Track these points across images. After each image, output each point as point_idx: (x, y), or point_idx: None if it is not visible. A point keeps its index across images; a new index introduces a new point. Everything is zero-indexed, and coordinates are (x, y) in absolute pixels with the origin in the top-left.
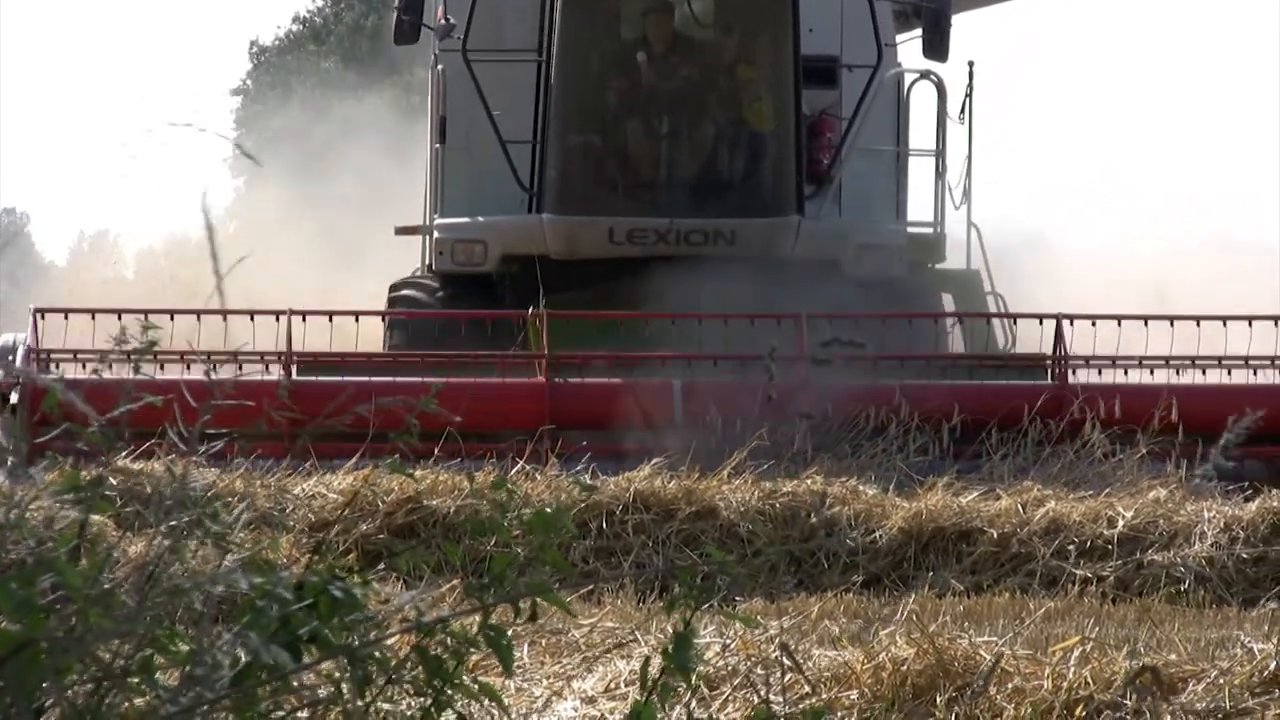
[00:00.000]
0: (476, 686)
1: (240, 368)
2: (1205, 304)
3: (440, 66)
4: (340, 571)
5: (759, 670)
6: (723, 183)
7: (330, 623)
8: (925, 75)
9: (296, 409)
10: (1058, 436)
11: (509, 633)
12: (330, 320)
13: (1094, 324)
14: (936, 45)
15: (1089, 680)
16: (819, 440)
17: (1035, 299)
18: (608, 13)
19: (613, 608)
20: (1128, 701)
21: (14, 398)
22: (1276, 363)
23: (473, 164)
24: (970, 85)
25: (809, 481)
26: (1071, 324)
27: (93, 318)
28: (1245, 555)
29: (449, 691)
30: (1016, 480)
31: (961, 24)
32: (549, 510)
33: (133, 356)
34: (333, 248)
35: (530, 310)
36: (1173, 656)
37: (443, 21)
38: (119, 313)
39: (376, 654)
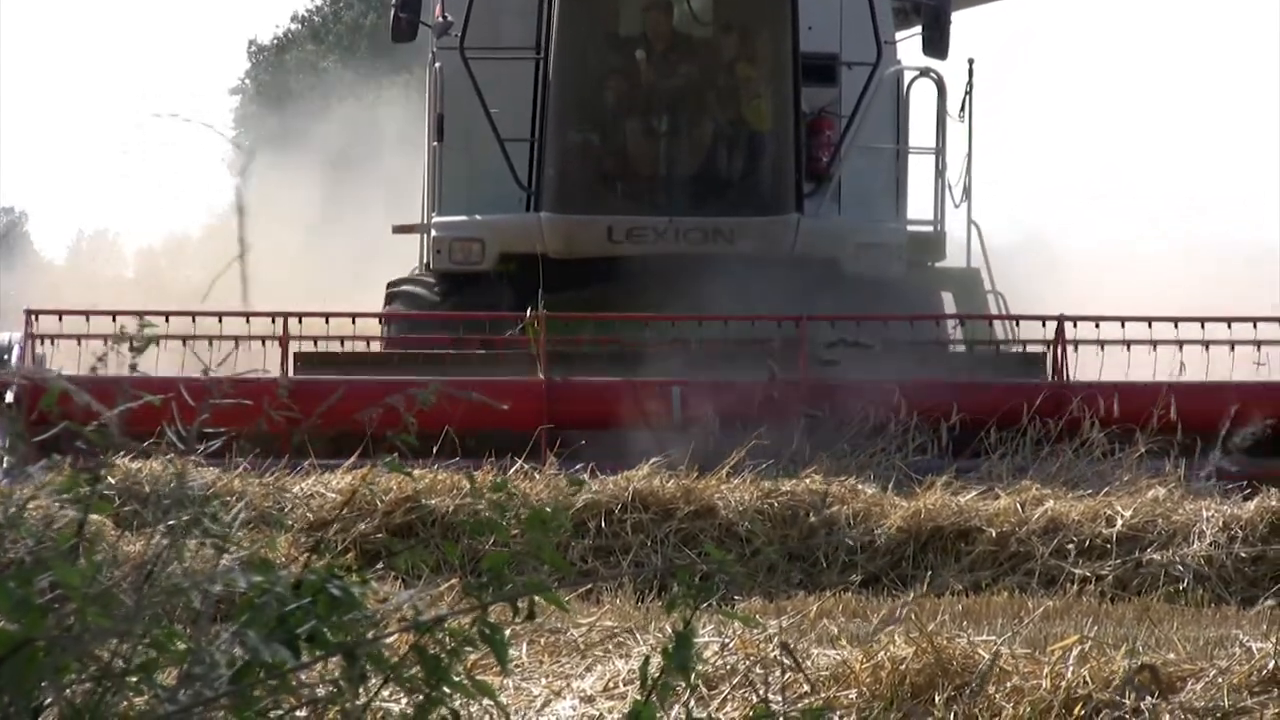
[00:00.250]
0: (471, 684)
1: (236, 345)
2: (1204, 305)
3: (438, 64)
4: (338, 570)
5: (758, 669)
6: (722, 181)
7: (328, 621)
8: (925, 73)
9: (295, 407)
10: (1056, 435)
11: (507, 631)
12: (327, 322)
13: (1097, 325)
14: (936, 42)
15: (1087, 679)
16: (819, 439)
17: (1036, 298)
18: (606, 10)
19: (612, 607)
20: (1126, 700)
21: (9, 396)
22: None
23: (471, 162)
24: (970, 83)
25: (808, 481)
26: (1075, 326)
27: (87, 319)
28: (1244, 554)
29: (444, 689)
30: (1015, 479)
31: (961, 21)
32: (546, 509)
33: (133, 344)
34: (334, 247)
35: (529, 311)
36: (1171, 655)
37: (440, 19)
38: (113, 314)
39: (374, 653)
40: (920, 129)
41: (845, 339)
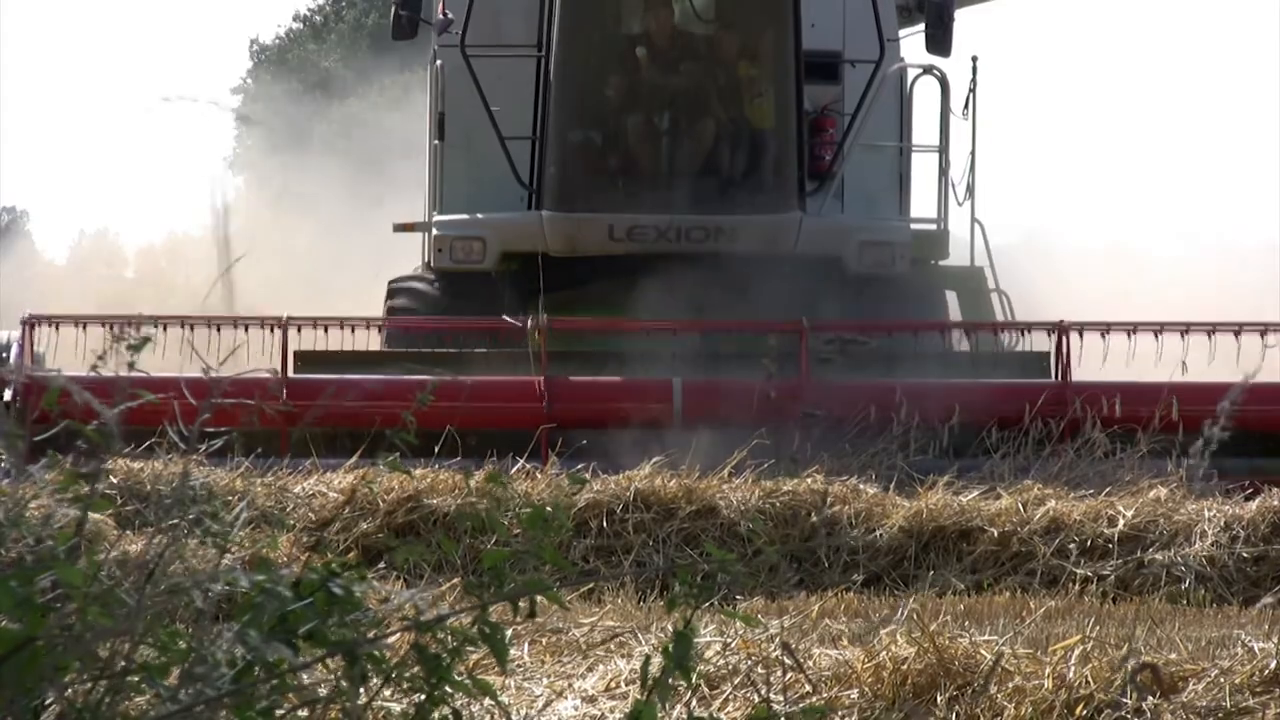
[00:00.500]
0: (472, 683)
1: (233, 350)
2: (1205, 305)
3: (439, 62)
4: (338, 567)
5: (759, 669)
6: (724, 179)
7: (329, 620)
8: (928, 70)
9: (295, 406)
10: (1058, 435)
11: (509, 631)
12: (325, 331)
13: (1104, 335)
14: (939, 40)
15: (1089, 679)
16: (819, 439)
17: (1038, 297)
18: (608, 8)
19: (613, 607)
20: (1128, 700)
21: (8, 394)
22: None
23: (472, 161)
24: (974, 80)
25: (809, 480)
26: (1081, 336)
27: (84, 328)
28: (1246, 554)
29: (445, 688)
30: (1017, 479)
31: (964, 19)
32: (546, 509)
33: (133, 338)
34: (335, 245)
35: (529, 321)
36: (1173, 655)
37: (441, 17)
38: (110, 321)
39: (375, 652)
40: (923, 127)
41: (843, 336)
